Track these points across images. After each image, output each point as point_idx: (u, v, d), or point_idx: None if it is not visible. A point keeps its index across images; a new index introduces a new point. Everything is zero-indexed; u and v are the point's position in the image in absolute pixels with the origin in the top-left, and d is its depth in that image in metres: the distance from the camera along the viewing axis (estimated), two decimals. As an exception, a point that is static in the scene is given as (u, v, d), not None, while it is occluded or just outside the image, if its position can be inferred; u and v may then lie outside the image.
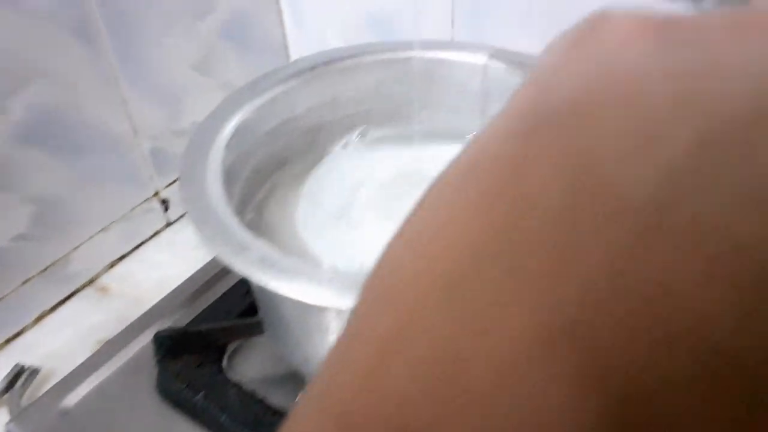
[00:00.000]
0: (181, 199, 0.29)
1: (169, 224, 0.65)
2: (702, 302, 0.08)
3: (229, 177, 0.33)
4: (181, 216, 0.65)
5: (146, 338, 0.43)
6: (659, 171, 0.09)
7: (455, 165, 0.11)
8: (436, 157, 0.44)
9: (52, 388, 0.44)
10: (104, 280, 0.60)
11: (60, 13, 0.49)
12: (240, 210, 0.34)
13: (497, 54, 0.41)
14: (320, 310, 0.28)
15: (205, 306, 0.44)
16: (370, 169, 0.40)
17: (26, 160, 0.51)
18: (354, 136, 0.42)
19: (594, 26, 0.11)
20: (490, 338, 0.09)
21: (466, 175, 0.11)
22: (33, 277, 0.55)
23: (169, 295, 0.48)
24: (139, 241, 0.63)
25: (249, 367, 0.41)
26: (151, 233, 0.64)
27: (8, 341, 0.55)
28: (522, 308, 0.09)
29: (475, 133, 0.12)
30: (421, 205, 0.11)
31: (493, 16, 0.53)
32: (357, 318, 0.11)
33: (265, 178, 0.39)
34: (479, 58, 0.41)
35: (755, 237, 0.08)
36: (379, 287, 0.11)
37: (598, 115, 0.09)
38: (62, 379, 0.43)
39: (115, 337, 0.46)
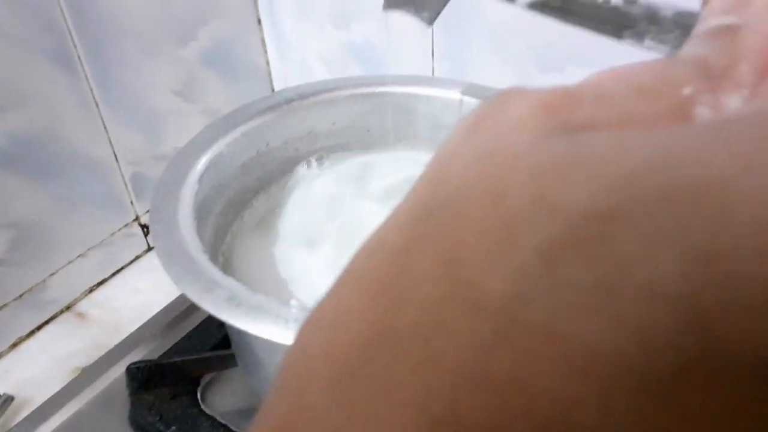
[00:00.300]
0: (151, 236, 0.29)
1: (149, 249, 0.65)
2: (555, 394, 0.08)
3: (201, 211, 0.33)
4: (162, 241, 0.65)
5: (120, 369, 0.43)
6: (515, 271, 0.09)
7: (360, 250, 0.12)
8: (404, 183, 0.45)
9: (24, 418, 0.43)
10: (82, 306, 0.60)
11: (36, 39, 0.50)
12: (213, 244, 0.34)
13: (471, 90, 0.41)
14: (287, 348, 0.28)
15: (180, 337, 0.44)
16: (339, 196, 0.40)
17: (5, 186, 0.51)
18: (323, 162, 0.42)
19: (495, 106, 0.11)
20: (374, 426, 0.09)
21: (366, 263, 0.11)
22: (9, 302, 0.55)
23: (143, 325, 0.48)
24: (118, 267, 0.63)
25: (223, 399, 0.40)
26: (132, 258, 0.63)
27: (-18, 367, 0.54)
28: (402, 397, 0.09)
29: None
30: (330, 290, 0.12)
31: (470, 49, 0.54)
32: (265, 401, 0.11)
33: (238, 210, 0.39)
34: (454, 94, 0.41)
35: (601, 341, 0.08)
36: (285, 371, 0.11)
37: (469, 212, 0.10)
38: (35, 410, 0.43)
39: (89, 367, 0.45)
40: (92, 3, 0.53)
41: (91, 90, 0.55)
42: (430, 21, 0.31)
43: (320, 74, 0.67)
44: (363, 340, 0.10)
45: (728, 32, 0.12)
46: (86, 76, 0.54)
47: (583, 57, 0.50)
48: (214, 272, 0.28)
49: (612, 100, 0.11)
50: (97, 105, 0.56)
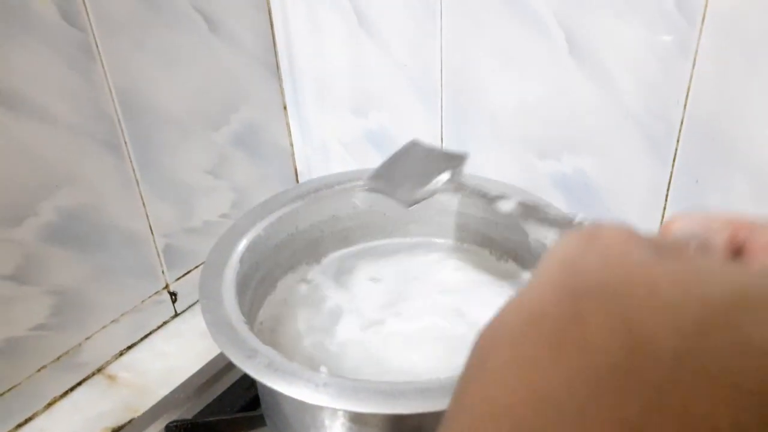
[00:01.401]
0: (202, 311, 0.33)
1: (176, 315, 0.69)
2: (713, 420, 0.12)
3: (241, 286, 0.37)
4: (189, 307, 0.70)
5: (156, 429, 0.46)
6: (678, 330, 0.13)
7: (515, 310, 0.16)
8: (420, 264, 0.50)
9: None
10: (113, 368, 0.63)
11: (91, 126, 0.55)
12: (250, 313, 0.39)
13: (471, 180, 0.47)
14: (316, 409, 0.32)
15: (212, 398, 0.48)
16: (359, 278, 0.45)
17: (51, 257, 0.56)
18: (348, 247, 0.47)
19: (594, 232, 0.16)
20: None
21: (536, 326, 0.15)
22: (48, 364, 0.58)
23: (179, 387, 0.52)
24: (147, 332, 0.66)
25: (252, 457, 0.44)
26: (160, 324, 0.67)
27: (19, 426, 0.57)
28: (603, 422, 0.13)
29: None
30: (497, 343, 0.15)
31: (474, 138, 0.60)
32: (461, 415, 0.15)
33: (271, 284, 0.44)
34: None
35: (757, 382, 0.12)
36: (481, 400, 0.15)
37: (625, 294, 0.14)
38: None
39: (126, 425, 0.49)
40: (139, 94, 0.59)
41: (134, 170, 0.60)
42: (407, 205, 0.35)
43: (339, 156, 0.73)
44: (563, 375, 0.14)
45: (696, 237, 0.19)
46: (130, 158, 0.60)
47: (576, 146, 0.55)
48: (254, 341, 0.33)
49: (664, 242, 0.16)
50: (137, 183, 0.61)
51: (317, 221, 0.47)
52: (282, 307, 0.43)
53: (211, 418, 0.44)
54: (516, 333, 0.15)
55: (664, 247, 0.15)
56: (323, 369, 0.35)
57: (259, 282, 0.43)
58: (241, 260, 0.39)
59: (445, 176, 0.35)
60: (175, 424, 0.43)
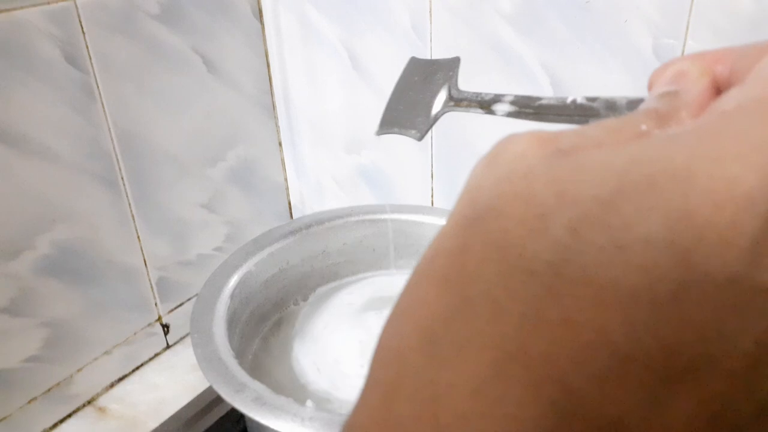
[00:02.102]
0: (193, 345, 0.34)
1: (168, 347, 0.69)
2: (594, 323, 0.12)
3: (231, 321, 0.38)
4: (181, 339, 0.70)
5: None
6: (553, 243, 0.13)
7: (423, 259, 0.16)
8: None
9: None
10: (103, 400, 0.63)
11: (90, 164, 0.56)
12: (241, 348, 0.40)
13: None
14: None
15: (202, 430, 0.48)
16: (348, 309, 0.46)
17: (47, 289, 0.56)
18: (338, 282, 0.48)
19: (500, 147, 0.16)
20: (463, 368, 0.13)
21: (431, 264, 0.15)
22: (38, 396, 0.59)
23: (168, 419, 0.52)
24: (139, 363, 0.67)
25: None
26: (151, 355, 0.68)
27: (9, 459, 0.57)
28: (482, 342, 0.13)
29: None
30: (404, 288, 0.16)
31: (464, 171, 0.62)
32: (369, 373, 0.15)
33: (262, 318, 0.45)
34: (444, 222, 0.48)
35: (619, 279, 0.12)
36: (381, 350, 0.15)
37: (508, 211, 0.14)
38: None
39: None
40: (138, 133, 0.60)
41: (130, 206, 0.61)
42: (420, 137, 0.34)
43: (332, 192, 0.74)
44: (443, 309, 0.14)
45: (670, 94, 0.17)
46: (127, 194, 0.61)
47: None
48: (243, 376, 0.34)
49: (587, 133, 0.15)
50: (133, 219, 0.62)
51: (307, 256, 0.48)
52: (275, 339, 0.44)
53: (199, 453, 0.44)
54: (417, 274, 0.15)
55: (569, 144, 0.15)
56: (309, 403, 0.36)
57: (249, 317, 0.44)
58: (232, 295, 0.40)
59: (443, 94, 0.33)
60: (164, 457, 0.44)
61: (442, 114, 0.34)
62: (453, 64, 0.34)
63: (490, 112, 0.30)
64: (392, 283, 0.50)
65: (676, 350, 0.12)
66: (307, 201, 0.77)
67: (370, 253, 0.50)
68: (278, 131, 0.75)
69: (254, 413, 0.31)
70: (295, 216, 0.79)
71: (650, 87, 0.19)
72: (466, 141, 0.61)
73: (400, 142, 0.66)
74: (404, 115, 0.35)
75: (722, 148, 0.12)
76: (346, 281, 0.50)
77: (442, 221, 0.51)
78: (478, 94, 0.31)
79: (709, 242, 0.12)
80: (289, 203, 0.80)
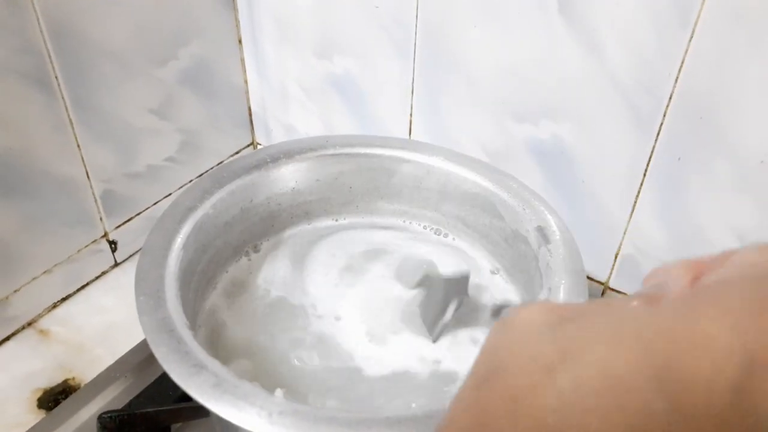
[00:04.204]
0: (137, 310, 0.29)
1: (116, 265, 0.64)
2: None
3: (185, 275, 0.33)
4: (130, 256, 0.65)
5: (90, 411, 0.43)
6: (558, 395, 0.15)
7: (446, 414, 0.18)
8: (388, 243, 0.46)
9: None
10: (45, 322, 0.59)
11: (14, 59, 0.49)
12: (195, 308, 0.35)
13: (450, 156, 0.42)
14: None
15: (150, 380, 0.44)
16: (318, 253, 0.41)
17: (-27, 205, 0.50)
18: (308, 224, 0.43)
19: (515, 312, 0.19)
20: None
21: (450, 421, 0.18)
22: (-30, 319, 0.54)
23: (114, 364, 0.48)
24: (83, 282, 0.62)
25: (194, 447, 0.41)
26: (98, 274, 0.63)
27: (-61, 383, 0.53)
28: None
29: None
30: None
31: (449, 96, 0.55)
32: None
33: (221, 266, 0.40)
34: (434, 160, 0.42)
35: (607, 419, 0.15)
36: None
37: (516, 370, 0.17)
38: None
39: (57, 409, 0.45)
40: (72, 25, 0.52)
41: (67, 110, 0.54)
42: (434, 339, 0.41)
43: (298, 101, 0.67)
44: None
45: (659, 284, 0.19)
46: (63, 96, 0.53)
47: (556, 112, 0.51)
48: (200, 352, 0.29)
49: (587, 306, 0.18)
50: (72, 125, 0.55)
51: (274, 193, 0.42)
52: (230, 296, 0.39)
53: (150, 409, 0.40)
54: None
55: (572, 313, 0.18)
56: (279, 392, 0.32)
57: (206, 265, 0.38)
58: (185, 246, 0.34)
59: (453, 306, 0.40)
60: (109, 415, 0.40)
61: (454, 317, 0.40)
62: (464, 280, 0.40)
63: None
64: (370, 238, 0.45)
65: None
66: (270, 108, 0.70)
67: (347, 191, 0.44)
68: (238, 26, 0.66)
69: (212, 404, 0.27)
70: (256, 124, 0.72)
71: (645, 281, 0.22)
72: (456, 59, 0.54)
73: (378, 52, 0.59)
74: (425, 314, 0.41)
75: (702, 312, 0.15)
76: (317, 226, 0.45)
77: (434, 161, 0.46)
78: (485, 306, 0.40)
79: (696, 389, 0.14)
80: (250, 110, 0.72)
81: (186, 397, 0.43)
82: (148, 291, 0.31)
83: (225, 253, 0.40)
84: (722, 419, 0.13)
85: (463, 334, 0.39)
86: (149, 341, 0.29)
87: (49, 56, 0.51)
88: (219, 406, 0.27)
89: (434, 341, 0.40)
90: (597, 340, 0.16)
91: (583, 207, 0.54)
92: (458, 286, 0.40)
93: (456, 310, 0.40)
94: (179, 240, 0.34)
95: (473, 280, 0.41)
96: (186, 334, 0.29)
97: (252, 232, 0.42)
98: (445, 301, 0.39)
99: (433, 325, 0.40)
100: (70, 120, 0.55)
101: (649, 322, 0.15)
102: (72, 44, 0.52)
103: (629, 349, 0.15)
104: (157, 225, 0.35)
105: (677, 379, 0.14)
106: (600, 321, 0.17)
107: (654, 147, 0.49)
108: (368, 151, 0.44)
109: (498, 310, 0.40)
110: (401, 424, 0.25)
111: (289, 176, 0.42)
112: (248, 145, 0.74)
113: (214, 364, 0.28)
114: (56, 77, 0.52)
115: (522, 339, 0.17)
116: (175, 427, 0.42)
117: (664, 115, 0.47)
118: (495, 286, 0.44)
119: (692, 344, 0.14)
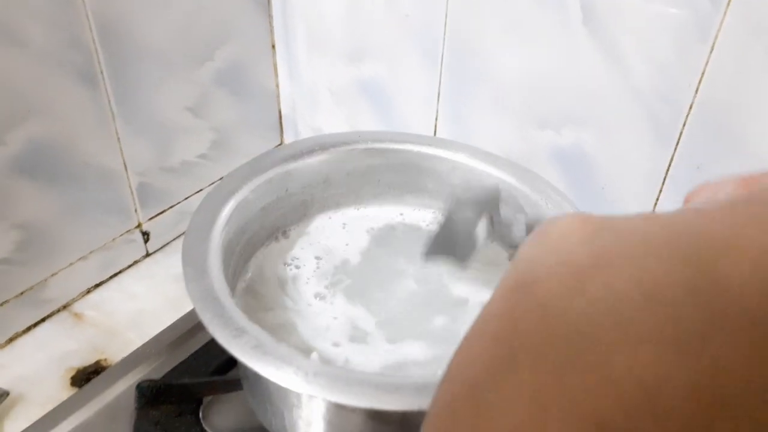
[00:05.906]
0: (184, 279, 0.31)
1: (148, 255, 0.67)
2: (623, 365, 0.13)
3: (226, 252, 0.35)
4: (162, 247, 0.67)
5: (125, 384, 0.45)
6: (589, 300, 0.15)
7: (476, 320, 0.17)
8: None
9: (30, 426, 0.45)
10: (79, 306, 0.62)
11: (65, 55, 0.52)
12: (233, 280, 0.37)
13: (474, 153, 0.45)
14: (306, 397, 0.31)
15: (186, 356, 0.46)
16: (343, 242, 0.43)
17: (18, 189, 0.53)
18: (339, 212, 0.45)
19: (550, 224, 0.18)
20: (504, 413, 0.14)
21: (482, 326, 0.17)
22: (10, 299, 0.57)
23: (150, 340, 0.50)
24: (117, 270, 0.65)
25: (225, 418, 0.43)
26: (130, 263, 0.66)
27: (-21, 358, 0.56)
28: (520, 392, 0.14)
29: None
30: (456, 351, 0.17)
31: (473, 100, 0.58)
32: (424, 426, 0.17)
33: (256, 248, 0.42)
34: (460, 156, 0.45)
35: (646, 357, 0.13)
36: (435, 405, 0.17)
37: (548, 278, 0.16)
38: (40, 419, 0.45)
39: (95, 380, 0.47)
40: (119, 23, 0.55)
41: (110, 104, 0.57)
42: (463, 263, 0.37)
43: (327, 105, 0.70)
44: (490, 363, 0.15)
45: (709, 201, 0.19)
46: (107, 90, 0.56)
47: (576, 119, 0.53)
48: (241, 318, 0.31)
49: (622, 216, 0.17)
50: (113, 118, 0.58)
51: (308, 184, 0.44)
52: (265, 274, 0.42)
53: (186, 380, 0.42)
54: (469, 336, 0.17)
55: (607, 222, 0.17)
56: (315, 356, 0.34)
57: (244, 246, 0.41)
58: (227, 224, 0.37)
59: (482, 228, 0.37)
60: (147, 383, 0.42)
61: (481, 245, 0.37)
62: (494, 196, 0.38)
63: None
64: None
65: (704, 385, 0.13)
66: (299, 111, 0.72)
67: (375, 185, 0.46)
68: (272, 31, 0.69)
69: (254, 363, 0.29)
70: (285, 126, 0.74)
71: (686, 203, 0.22)
72: (482, 67, 0.56)
73: (406, 58, 0.61)
74: (449, 243, 0.37)
75: (748, 216, 0.14)
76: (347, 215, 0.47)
77: (459, 157, 0.48)
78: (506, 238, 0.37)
79: (731, 293, 0.13)
80: (280, 112, 0.75)
81: (219, 371, 0.46)
82: (193, 262, 0.33)
83: (262, 236, 0.43)
84: (757, 326, 0.13)
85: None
86: (196, 307, 0.31)
87: (96, 52, 0.54)
88: (260, 366, 0.29)
89: (464, 267, 0.37)
90: (633, 246, 0.15)
91: (603, 213, 0.55)
92: (488, 204, 0.37)
93: (488, 228, 0.37)
94: (222, 218, 0.37)
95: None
96: (228, 301, 0.32)
97: (287, 218, 0.44)
98: (473, 222, 0.36)
99: (464, 248, 0.37)
100: (113, 114, 0.57)
101: (691, 231, 0.15)
102: (118, 42, 0.55)
103: (666, 256, 0.14)
104: (202, 205, 0.38)
105: (712, 285, 0.13)
106: (639, 229, 0.16)
107: (673, 155, 0.50)
108: (397, 146, 0.46)
109: (533, 226, 0.36)
110: (430, 389, 0.27)
111: (322, 168, 0.45)
112: (277, 146, 0.77)
113: (254, 328, 0.31)
114: (101, 72, 0.55)
115: (556, 248, 0.17)
116: (206, 400, 0.44)
117: (684, 125, 0.49)
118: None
119: (731, 247, 0.14)
